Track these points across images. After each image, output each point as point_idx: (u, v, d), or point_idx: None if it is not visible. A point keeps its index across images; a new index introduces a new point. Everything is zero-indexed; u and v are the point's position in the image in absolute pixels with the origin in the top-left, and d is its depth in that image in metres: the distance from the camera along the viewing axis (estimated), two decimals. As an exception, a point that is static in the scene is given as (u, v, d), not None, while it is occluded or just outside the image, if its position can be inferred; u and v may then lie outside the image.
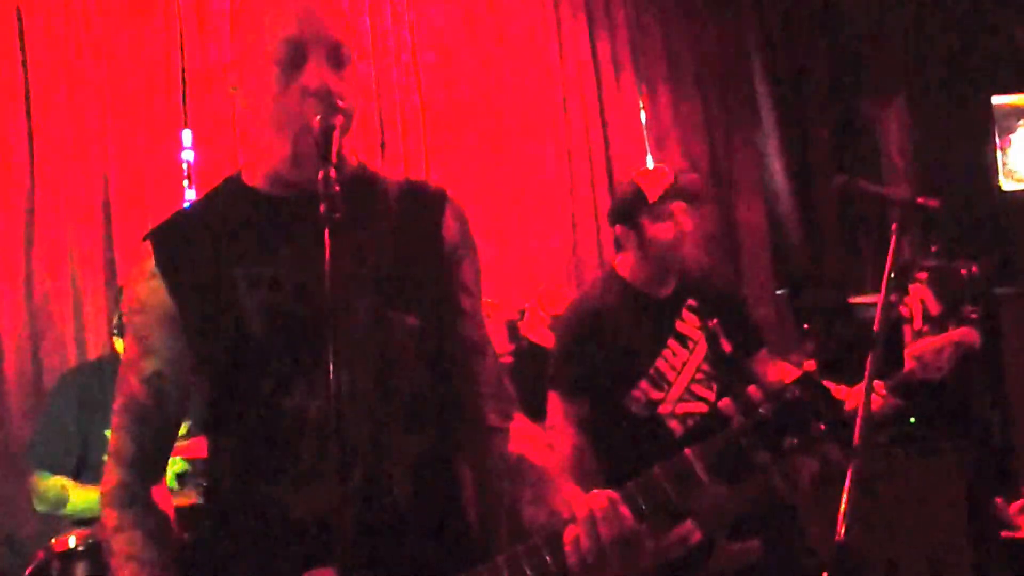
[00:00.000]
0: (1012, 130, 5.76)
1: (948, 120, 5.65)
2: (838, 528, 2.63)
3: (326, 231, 1.35)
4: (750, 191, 5.44)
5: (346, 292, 1.52)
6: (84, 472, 3.53)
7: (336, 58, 1.55)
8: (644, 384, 2.95)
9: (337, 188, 1.38)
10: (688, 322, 3.03)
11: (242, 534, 1.60)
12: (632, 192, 3.08)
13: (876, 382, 2.79)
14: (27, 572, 2.90)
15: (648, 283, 3.06)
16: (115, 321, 3.54)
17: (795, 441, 1.42)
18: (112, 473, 1.68)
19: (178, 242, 1.65)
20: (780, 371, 3.14)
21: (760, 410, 1.43)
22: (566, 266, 5.03)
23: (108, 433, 3.33)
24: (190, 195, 4.48)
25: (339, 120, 1.48)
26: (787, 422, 1.43)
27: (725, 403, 1.46)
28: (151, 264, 1.63)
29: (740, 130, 5.47)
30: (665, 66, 5.33)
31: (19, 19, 4.26)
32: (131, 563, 1.60)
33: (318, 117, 1.48)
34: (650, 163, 5.26)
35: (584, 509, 1.45)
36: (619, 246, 3.13)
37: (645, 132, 5.30)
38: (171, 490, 3.40)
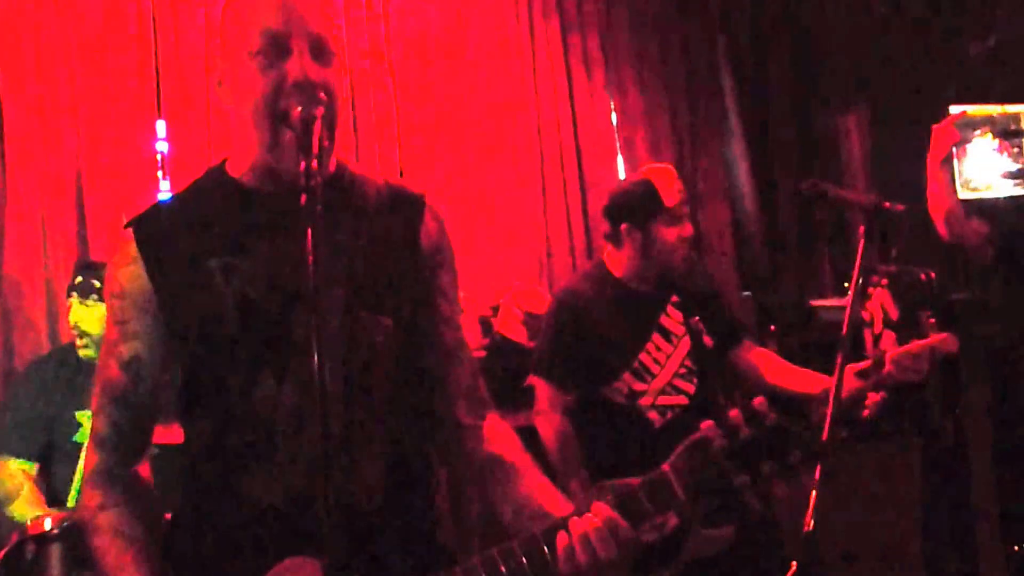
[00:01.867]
0: (968, 140, 5.88)
1: (906, 129, 5.76)
2: (806, 519, 2.70)
3: (305, 224, 1.35)
4: (715, 195, 5.54)
5: (320, 290, 1.50)
6: (53, 454, 3.55)
7: (319, 51, 1.56)
8: (627, 376, 2.99)
9: (319, 180, 1.38)
10: (672, 318, 3.08)
11: (216, 519, 1.62)
12: (647, 194, 3.04)
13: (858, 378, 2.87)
14: (1, 554, 2.89)
15: (636, 280, 3.09)
16: (74, 283, 3.57)
17: (773, 466, 1.46)
18: (93, 455, 1.68)
19: (159, 230, 1.66)
20: (764, 358, 3.22)
21: (740, 434, 1.46)
22: (538, 262, 5.08)
23: (78, 414, 3.41)
24: (164, 186, 4.48)
25: (320, 111, 1.48)
26: (766, 447, 1.46)
27: (708, 425, 1.50)
28: (132, 250, 1.64)
29: (707, 134, 5.57)
30: (635, 70, 5.41)
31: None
32: (118, 539, 1.61)
33: (299, 108, 1.48)
34: (620, 164, 5.34)
35: (579, 528, 1.48)
36: (616, 242, 3.10)
37: (616, 134, 5.37)
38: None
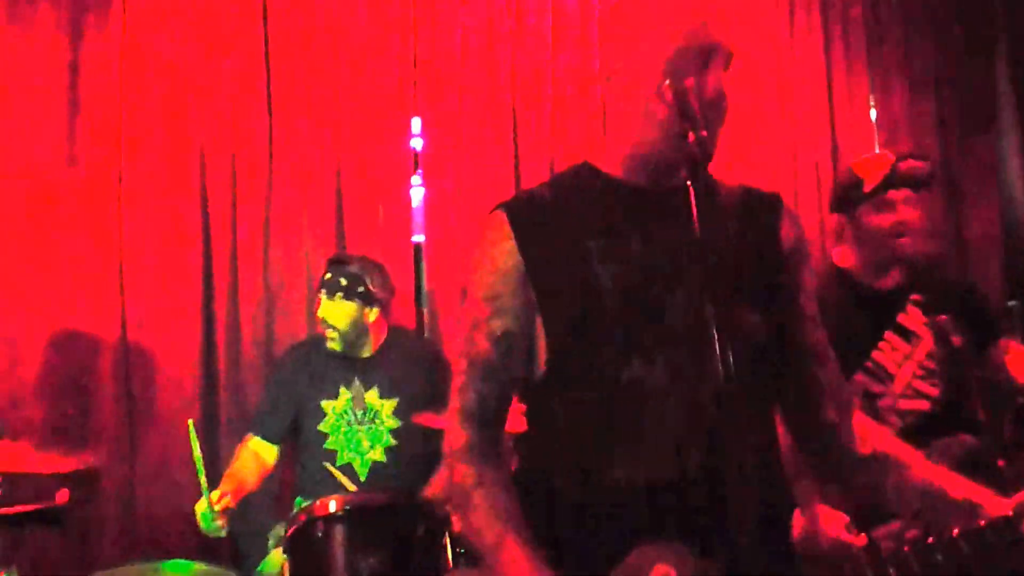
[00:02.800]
0: None
1: None
2: None
3: (689, 192, 1.37)
4: (983, 194, 5.16)
5: (693, 282, 1.56)
6: (295, 439, 3.67)
7: (725, 65, 1.59)
8: (860, 377, 2.89)
9: (702, 152, 1.39)
10: (912, 316, 2.96)
11: (574, 498, 1.62)
12: (850, 180, 3.02)
13: None
14: (289, 532, 2.96)
15: (867, 274, 3.00)
16: (323, 278, 3.71)
17: None
18: (461, 430, 1.70)
19: (531, 211, 1.70)
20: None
21: None
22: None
23: (324, 403, 3.49)
24: (416, 180, 4.54)
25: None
26: None
27: None
28: (506, 229, 1.68)
29: (976, 130, 5.19)
30: (901, 61, 5.10)
31: (264, 11, 4.41)
32: (497, 516, 1.63)
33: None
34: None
35: None
36: (839, 236, 3.08)
37: (875, 129, 5.08)
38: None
